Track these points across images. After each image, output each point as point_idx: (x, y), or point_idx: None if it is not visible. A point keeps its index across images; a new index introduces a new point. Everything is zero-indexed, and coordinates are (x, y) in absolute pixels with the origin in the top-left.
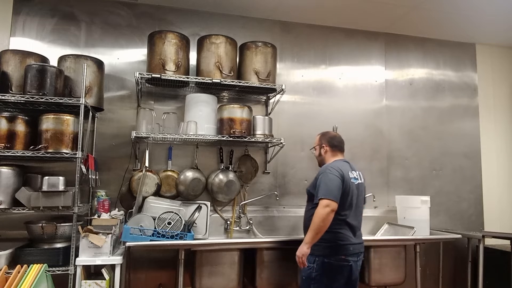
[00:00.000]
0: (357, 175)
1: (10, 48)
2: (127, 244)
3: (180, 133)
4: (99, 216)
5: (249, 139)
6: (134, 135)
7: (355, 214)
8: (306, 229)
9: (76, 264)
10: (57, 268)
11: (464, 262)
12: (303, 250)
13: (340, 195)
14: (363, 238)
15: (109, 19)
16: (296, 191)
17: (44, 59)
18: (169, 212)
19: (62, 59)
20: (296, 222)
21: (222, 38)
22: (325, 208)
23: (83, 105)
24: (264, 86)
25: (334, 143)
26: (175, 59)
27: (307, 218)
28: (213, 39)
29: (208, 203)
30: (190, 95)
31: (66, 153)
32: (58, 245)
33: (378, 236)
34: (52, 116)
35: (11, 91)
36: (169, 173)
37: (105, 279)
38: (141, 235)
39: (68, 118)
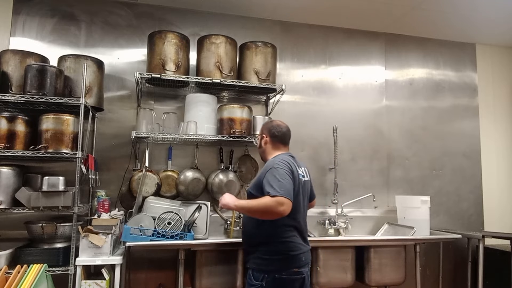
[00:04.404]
0: (303, 172)
1: (10, 48)
2: (127, 244)
3: (180, 133)
4: (99, 216)
5: (249, 139)
6: (134, 135)
7: (303, 217)
8: (251, 239)
9: (76, 264)
10: (57, 268)
11: (464, 262)
12: (228, 203)
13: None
14: (362, 237)
15: (109, 19)
16: None
17: (44, 59)
18: (169, 212)
19: (62, 59)
20: None
21: (222, 38)
22: (279, 207)
23: (83, 105)
24: (264, 86)
25: (275, 132)
26: (175, 59)
27: (250, 225)
28: (213, 39)
29: (208, 203)
30: (190, 95)
31: (66, 153)
32: (58, 245)
33: (378, 236)
34: (52, 116)
35: (11, 91)
36: (169, 173)
37: (105, 279)
38: (141, 235)
39: (68, 118)
